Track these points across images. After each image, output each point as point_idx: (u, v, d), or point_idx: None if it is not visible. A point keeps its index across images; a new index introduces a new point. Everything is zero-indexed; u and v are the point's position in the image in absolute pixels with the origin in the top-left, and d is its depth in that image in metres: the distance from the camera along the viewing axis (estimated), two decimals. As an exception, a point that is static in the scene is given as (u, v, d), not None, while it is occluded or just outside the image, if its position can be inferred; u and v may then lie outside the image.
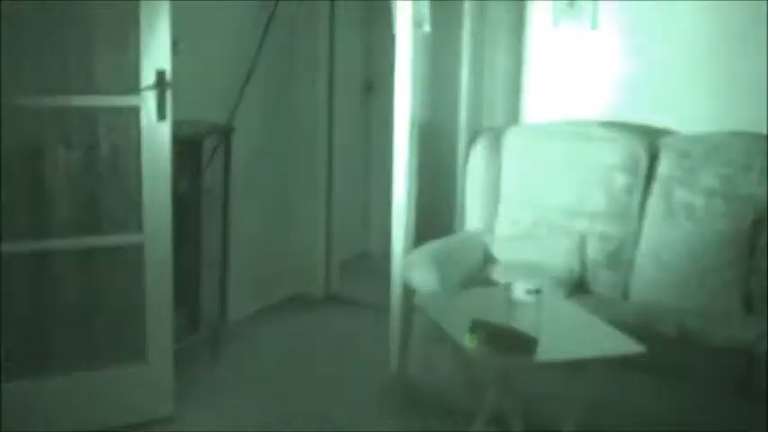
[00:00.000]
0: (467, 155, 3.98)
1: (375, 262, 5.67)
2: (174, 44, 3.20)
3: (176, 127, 3.29)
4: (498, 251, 3.64)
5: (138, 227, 3.19)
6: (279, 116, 4.55)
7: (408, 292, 3.58)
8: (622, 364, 2.68)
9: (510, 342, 2.45)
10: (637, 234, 3.52)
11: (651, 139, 3.63)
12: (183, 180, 3.54)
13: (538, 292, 2.56)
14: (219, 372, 3.83)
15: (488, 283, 3.37)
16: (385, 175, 5.54)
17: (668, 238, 3.40)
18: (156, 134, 3.14)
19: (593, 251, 3.53)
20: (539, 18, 3.97)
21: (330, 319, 4.64)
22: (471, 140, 4.08)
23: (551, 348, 2.49)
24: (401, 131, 3.64)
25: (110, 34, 3.08)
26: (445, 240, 3.78)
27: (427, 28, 3.73)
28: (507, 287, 2.59)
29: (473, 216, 3.87)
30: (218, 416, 3.41)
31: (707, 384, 2.91)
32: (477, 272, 3.49)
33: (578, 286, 3.47)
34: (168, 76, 3.13)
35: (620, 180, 3.56)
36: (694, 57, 3.71)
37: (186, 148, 3.63)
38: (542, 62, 4.03)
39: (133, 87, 3.10)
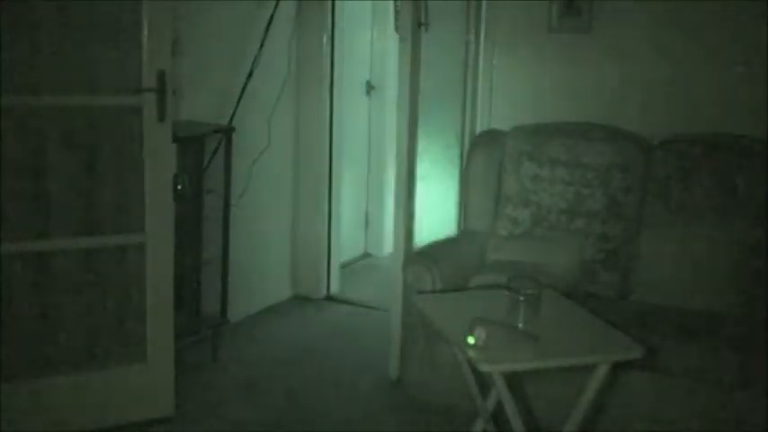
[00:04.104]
0: (467, 155, 3.99)
1: (375, 262, 5.68)
2: (174, 44, 3.20)
3: (177, 127, 3.29)
4: (498, 251, 3.64)
5: (140, 227, 3.19)
6: (279, 116, 4.55)
7: (408, 292, 3.59)
8: (622, 364, 2.68)
9: (510, 342, 2.45)
10: (636, 234, 3.52)
11: (649, 140, 3.64)
12: (183, 180, 3.54)
13: (537, 291, 2.56)
14: (219, 372, 3.83)
15: (488, 283, 3.37)
16: (386, 175, 5.58)
17: (667, 237, 3.41)
18: (157, 134, 3.14)
19: (593, 251, 3.54)
20: (536, 21, 3.98)
21: (330, 319, 4.64)
22: (472, 141, 4.09)
23: (551, 348, 2.49)
24: (402, 131, 3.64)
25: (111, 34, 3.08)
26: (445, 241, 3.78)
27: (428, 29, 3.73)
28: (507, 287, 2.59)
29: (473, 216, 3.87)
30: (218, 416, 3.41)
31: (707, 384, 2.91)
32: (477, 272, 3.49)
33: (578, 286, 3.47)
34: (169, 76, 3.13)
35: (619, 180, 3.56)
36: (691, 59, 3.72)
37: (187, 149, 3.63)
38: (540, 64, 4.03)
39: (134, 87, 3.10)
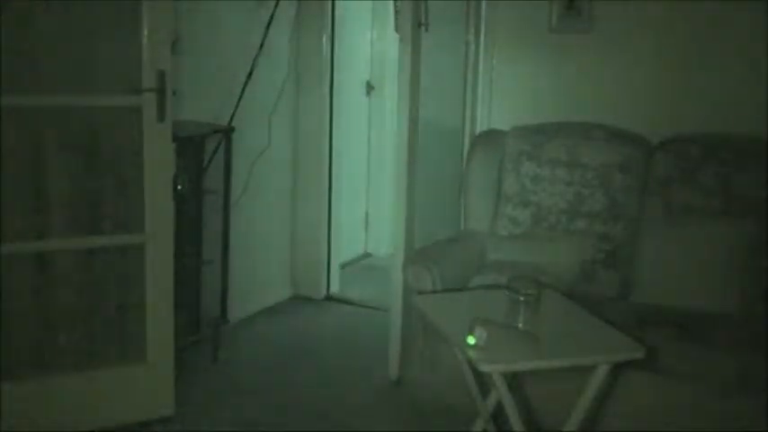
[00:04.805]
0: (467, 155, 3.99)
1: (375, 262, 5.68)
2: (174, 44, 3.20)
3: (177, 127, 3.29)
4: (498, 251, 3.64)
5: (139, 227, 3.19)
6: (279, 116, 4.55)
7: (408, 292, 3.59)
8: (622, 364, 2.68)
9: (510, 342, 2.45)
10: (636, 234, 3.52)
11: (649, 140, 3.64)
12: (183, 180, 3.54)
13: (537, 291, 2.56)
14: (219, 372, 3.83)
15: (488, 283, 3.37)
16: (386, 175, 5.58)
17: (667, 237, 3.40)
18: (157, 134, 3.14)
19: (593, 251, 3.54)
20: (536, 21, 3.98)
21: (330, 319, 4.64)
22: (472, 141, 4.09)
23: (552, 348, 2.49)
24: (402, 131, 3.64)
25: (111, 34, 3.08)
26: (445, 241, 3.78)
27: (428, 29, 3.73)
28: (507, 287, 2.59)
29: (473, 216, 3.88)
30: (218, 416, 3.41)
31: (706, 384, 2.91)
32: (477, 272, 3.49)
33: (578, 286, 3.47)
34: (169, 76, 3.13)
35: (619, 180, 3.56)
36: (690, 59, 3.72)
37: (187, 149, 3.63)
38: (540, 64, 4.03)
39: (134, 87, 3.09)
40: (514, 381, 2.95)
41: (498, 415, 2.81)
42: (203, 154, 3.79)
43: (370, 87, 5.70)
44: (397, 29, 3.61)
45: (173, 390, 3.33)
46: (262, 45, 4.27)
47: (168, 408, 3.33)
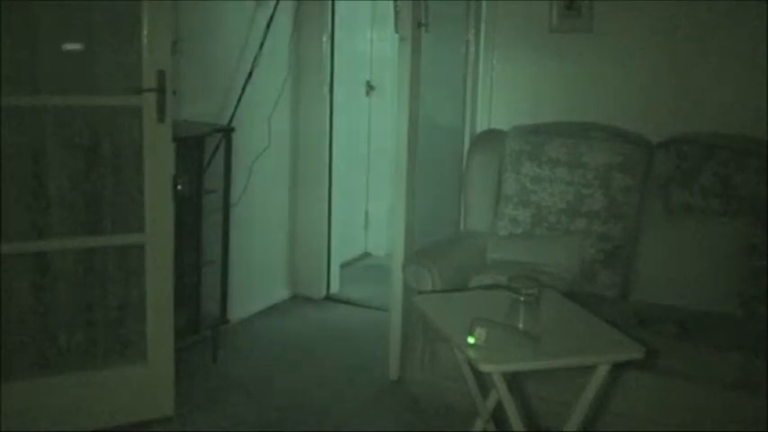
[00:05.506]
0: (467, 155, 3.99)
1: (375, 262, 5.68)
2: (174, 44, 3.20)
3: (177, 127, 3.29)
4: (498, 251, 3.64)
5: (139, 227, 3.19)
6: (279, 116, 4.55)
7: (408, 292, 3.59)
8: (622, 364, 2.68)
9: (510, 342, 2.45)
10: (635, 234, 3.52)
11: (649, 140, 3.64)
12: (183, 180, 3.54)
13: (537, 291, 2.55)
14: (219, 372, 3.83)
15: (488, 283, 3.37)
16: (386, 175, 5.58)
17: (667, 237, 3.41)
18: (157, 134, 3.14)
19: (593, 251, 3.54)
20: (536, 21, 3.98)
21: (330, 319, 4.64)
22: (472, 140, 4.10)
23: (552, 348, 2.49)
24: (402, 131, 3.64)
25: (111, 34, 3.09)
26: (445, 241, 3.78)
27: (428, 29, 3.73)
28: (507, 287, 2.59)
29: (473, 216, 3.88)
30: (218, 416, 3.41)
31: (707, 384, 2.91)
32: (477, 272, 3.49)
33: (578, 286, 3.47)
34: (169, 76, 3.12)
35: (619, 180, 3.56)
36: (690, 59, 3.72)
37: (187, 149, 3.63)
38: (540, 64, 4.03)
39: (134, 87, 3.09)
40: (514, 381, 2.95)
41: (498, 415, 2.80)
42: (203, 154, 3.79)
43: (370, 87, 5.71)
44: (397, 29, 3.61)
45: (173, 390, 3.33)
46: (262, 45, 4.27)
47: (168, 408, 3.33)
